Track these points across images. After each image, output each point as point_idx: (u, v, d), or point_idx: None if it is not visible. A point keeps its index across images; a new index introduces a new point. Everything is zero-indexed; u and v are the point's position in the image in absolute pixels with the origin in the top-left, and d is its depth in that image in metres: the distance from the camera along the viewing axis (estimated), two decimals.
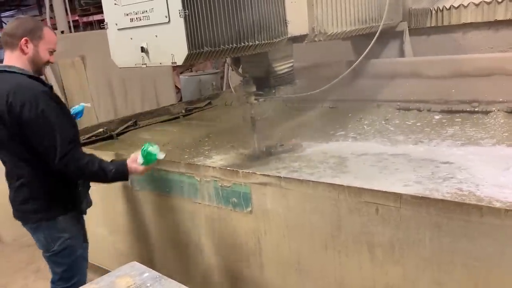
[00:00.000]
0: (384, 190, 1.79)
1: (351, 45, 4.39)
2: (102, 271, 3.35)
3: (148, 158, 2.25)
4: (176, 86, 7.74)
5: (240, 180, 2.24)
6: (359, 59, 3.57)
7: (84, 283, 2.27)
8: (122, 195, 2.95)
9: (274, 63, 2.87)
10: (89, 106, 2.70)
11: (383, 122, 3.64)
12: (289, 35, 2.70)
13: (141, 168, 2.26)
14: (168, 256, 2.82)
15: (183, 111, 4.60)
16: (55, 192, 2.27)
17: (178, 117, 4.51)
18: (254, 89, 2.90)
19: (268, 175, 2.14)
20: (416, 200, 1.71)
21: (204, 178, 2.40)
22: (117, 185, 2.95)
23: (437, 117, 3.57)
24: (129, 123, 4.11)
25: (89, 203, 2.51)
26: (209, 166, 2.39)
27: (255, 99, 2.94)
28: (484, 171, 2.35)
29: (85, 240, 2.47)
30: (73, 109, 2.65)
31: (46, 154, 2.11)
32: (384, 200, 1.79)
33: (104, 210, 3.12)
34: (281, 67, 2.93)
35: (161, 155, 2.30)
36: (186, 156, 3.24)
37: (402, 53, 4.15)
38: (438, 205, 1.66)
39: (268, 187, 2.14)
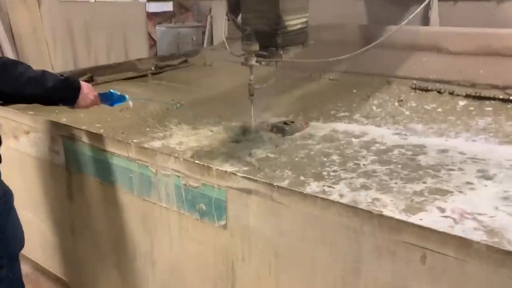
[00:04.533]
0: (440, 231, 1.11)
1: (365, 6, 3.64)
2: (32, 263, 2.69)
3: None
4: (151, 38, 6.87)
5: (212, 180, 1.54)
6: (388, 34, 2.78)
7: None
8: (54, 175, 2.22)
9: (285, 15, 2.12)
10: (130, 106, 2.25)
11: (396, 103, 2.97)
12: None
13: (95, 94, 1.91)
14: (108, 266, 2.13)
15: (152, 68, 3.86)
16: None
17: (145, 75, 3.76)
18: (256, 47, 2.14)
19: (255, 180, 1.44)
20: (496, 254, 1.04)
21: (162, 170, 1.69)
22: (48, 163, 2.21)
23: (461, 103, 2.94)
24: (83, 78, 3.32)
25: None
26: (170, 155, 1.67)
27: (257, 61, 2.19)
28: None
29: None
30: (112, 91, 2.08)
31: None
32: (437, 246, 1.12)
33: (33, 191, 2.39)
34: (294, 21, 2.19)
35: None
36: (147, 129, 2.50)
37: (426, 21, 3.45)
38: None
39: (253, 196, 1.45)
